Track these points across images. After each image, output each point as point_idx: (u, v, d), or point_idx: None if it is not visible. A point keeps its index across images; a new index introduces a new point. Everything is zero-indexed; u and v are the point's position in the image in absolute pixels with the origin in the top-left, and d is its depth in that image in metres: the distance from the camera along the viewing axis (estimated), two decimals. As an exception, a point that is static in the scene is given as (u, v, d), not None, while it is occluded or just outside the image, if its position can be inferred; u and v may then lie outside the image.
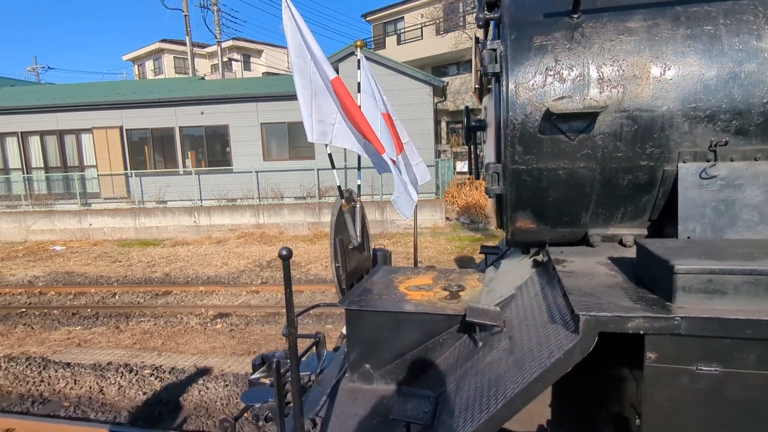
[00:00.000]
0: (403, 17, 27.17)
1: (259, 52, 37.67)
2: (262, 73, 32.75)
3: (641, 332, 1.48)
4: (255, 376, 3.21)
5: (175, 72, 34.90)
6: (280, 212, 15.09)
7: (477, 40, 2.52)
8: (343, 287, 2.92)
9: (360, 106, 3.54)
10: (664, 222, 2.21)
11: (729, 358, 1.47)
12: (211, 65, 34.61)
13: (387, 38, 27.90)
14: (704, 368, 1.49)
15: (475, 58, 2.52)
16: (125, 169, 17.08)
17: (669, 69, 2.01)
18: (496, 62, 2.18)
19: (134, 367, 5.88)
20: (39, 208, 16.70)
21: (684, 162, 2.05)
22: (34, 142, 17.88)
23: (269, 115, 15.86)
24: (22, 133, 17.69)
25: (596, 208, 2.26)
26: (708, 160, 2.03)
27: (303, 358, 3.35)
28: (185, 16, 24.74)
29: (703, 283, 1.50)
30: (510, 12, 2.27)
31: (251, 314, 7.85)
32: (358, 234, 3.14)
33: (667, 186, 2.11)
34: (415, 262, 4.62)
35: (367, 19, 29.08)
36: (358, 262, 3.26)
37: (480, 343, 2.23)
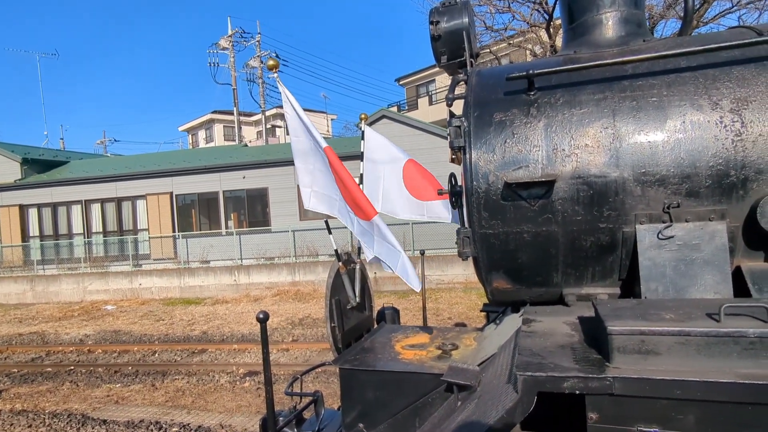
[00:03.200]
0: (434, 80, 28.43)
1: (301, 118, 40.04)
2: (304, 137, 34.57)
3: (577, 392, 1.55)
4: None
5: (224, 140, 37.56)
6: (314, 270, 15.46)
7: (452, 114, 2.77)
8: (339, 346, 3.06)
9: (362, 174, 3.83)
10: (633, 281, 2.26)
11: (668, 418, 1.51)
12: (257, 132, 37.03)
13: (419, 99, 29.12)
14: (644, 429, 1.52)
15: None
16: (173, 231, 18.21)
17: (617, 138, 2.16)
18: (461, 137, 2.40)
19: (164, 425, 6.08)
20: (96, 269, 17.92)
21: (641, 224, 2.14)
22: (96, 209, 19.52)
23: (306, 177, 16.71)
24: (85, 201, 19.39)
25: (565, 268, 2.35)
26: (663, 222, 2.11)
27: (306, 416, 3.45)
28: (233, 89, 26.97)
29: (637, 344, 1.57)
30: (475, 92, 2.52)
31: (279, 372, 7.97)
32: (356, 294, 3.31)
33: (629, 247, 2.19)
34: (424, 321, 4.69)
35: (400, 83, 30.60)
36: (358, 321, 3.41)
37: (459, 403, 2.29)
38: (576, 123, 2.24)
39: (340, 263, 3.17)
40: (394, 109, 26.50)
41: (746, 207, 2.03)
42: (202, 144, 40.20)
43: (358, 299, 3.30)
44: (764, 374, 1.44)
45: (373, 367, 2.65)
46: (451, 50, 2.92)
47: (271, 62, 2.77)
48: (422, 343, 3.08)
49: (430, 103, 28.50)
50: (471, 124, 2.39)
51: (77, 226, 19.62)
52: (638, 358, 1.57)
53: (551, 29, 14.73)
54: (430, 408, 2.48)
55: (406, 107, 29.80)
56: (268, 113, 30.06)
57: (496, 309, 3.85)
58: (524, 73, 2.29)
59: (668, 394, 1.47)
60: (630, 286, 2.31)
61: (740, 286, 2.09)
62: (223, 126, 38.60)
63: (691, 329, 1.52)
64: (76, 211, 19.61)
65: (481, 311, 3.95)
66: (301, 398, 3.52)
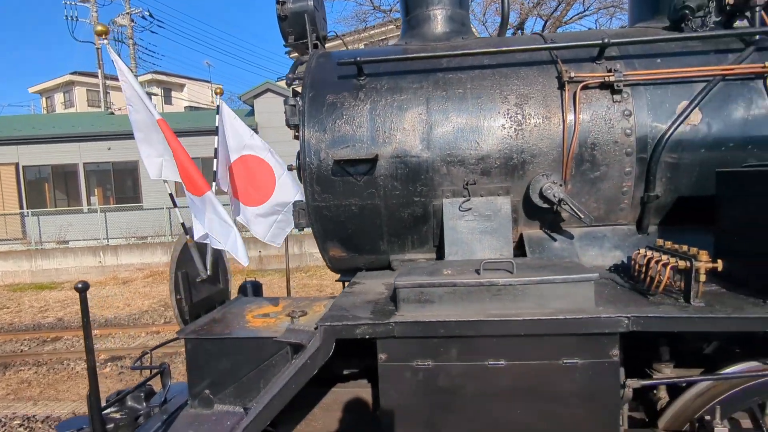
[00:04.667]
0: (324, 56, 28.06)
1: (181, 86, 36.98)
2: (185, 108, 32.11)
3: (366, 336, 1.84)
4: (106, 411, 3.26)
5: (88, 105, 33.27)
6: (193, 249, 14.72)
7: (295, 93, 2.91)
8: (186, 318, 3.10)
9: (217, 149, 3.81)
10: (443, 247, 2.65)
11: (438, 353, 1.86)
12: (129, 98, 33.36)
13: (309, 75, 28.60)
14: (420, 364, 1.86)
15: None
16: (21, 208, 15.94)
17: (429, 123, 2.49)
18: (296, 115, 2.56)
19: (3, 419, 5.52)
20: None
21: (447, 198, 2.51)
22: None
23: (183, 151, 15.65)
24: None
25: (389, 237, 2.66)
26: (464, 196, 2.50)
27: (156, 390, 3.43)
28: (97, 49, 23.98)
29: (417, 295, 1.90)
30: (312, 74, 2.68)
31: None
32: (207, 267, 3.34)
33: (438, 218, 2.55)
34: (288, 292, 4.85)
35: (291, 55, 29.70)
36: (210, 293, 3.45)
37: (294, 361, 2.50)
38: (396, 108, 2.52)
39: (188, 236, 3.17)
40: (283, 83, 25.72)
41: (524, 185, 2.49)
42: (59, 109, 35.14)
43: (209, 272, 3.34)
44: (506, 313, 1.85)
45: (217, 335, 2.74)
46: (298, 31, 3.03)
47: (99, 28, 2.63)
48: (274, 311, 3.23)
49: (320, 79, 28.12)
50: (306, 104, 2.56)
51: None
52: (418, 306, 1.90)
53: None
54: (273, 369, 2.66)
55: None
56: (141, 78, 27.31)
57: (349, 278, 4.15)
58: (353, 60, 2.51)
59: (435, 333, 1.82)
60: (442, 251, 2.70)
61: (524, 249, 2.58)
62: (87, 90, 34.06)
63: (456, 281, 1.88)
64: None
65: (336, 281, 4.22)
66: (151, 372, 3.49)
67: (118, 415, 3.21)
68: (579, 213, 2.30)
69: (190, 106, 32.23)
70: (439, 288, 1.88)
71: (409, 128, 2.49)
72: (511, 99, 2.48)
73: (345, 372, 2.99)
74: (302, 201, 2.62)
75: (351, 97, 2.55)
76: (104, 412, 3.28)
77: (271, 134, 13.33)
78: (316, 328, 2.67)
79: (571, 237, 2.55)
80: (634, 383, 2.16)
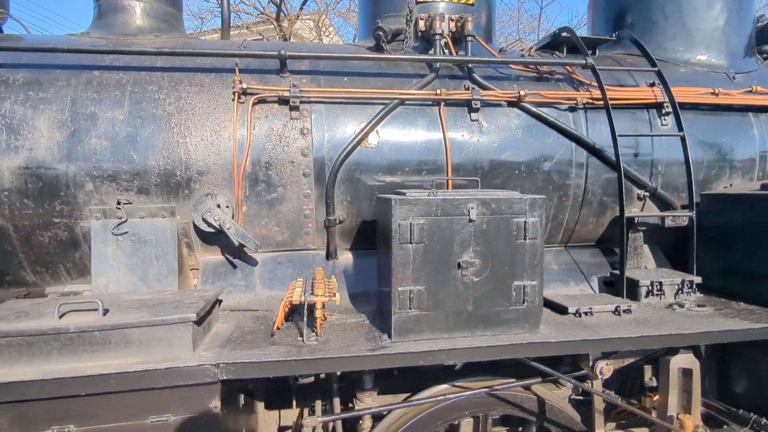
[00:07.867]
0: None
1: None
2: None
3: None
4: None
5: None
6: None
7: None
8: None
9: None
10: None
11: (-19, 425, 1.45)
12: None
13: None
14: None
15: None
16: None
17: (72, 129, 2.08)
18: None
19: None
20: None
21: (96, 219, 2.12)
22: None
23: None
24: None
25: (34, 266, 2.18)
26: (119, 218, 2.13)
27: None
28: None
29: (-45, 352, 1.47)
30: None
31: None
32: None
33: (90, 242, 2.15)
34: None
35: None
36: None
37: None
38: (30, 107, 2.06)
39: None
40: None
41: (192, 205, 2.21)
42: None
43: None
44: (79, 367, 1.51)
45: None
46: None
47: None
48: None
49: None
50: None
51: None
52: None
53: (283, 20, 14.94)
54: None
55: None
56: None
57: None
58: (-36, 45, 1.99)
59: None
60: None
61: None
62: None
63: (10, 329, 1.49)
64: None
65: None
66: None
67: None
68: (238, 239, 2.09)
69: None
70: (-17, 340, 1.47)
71: (44, 134, 2.05)
72: (177, 107, 2.19)
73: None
74: None
75: (-33, 91, 2.03)
76: None
77: None
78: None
79: (255, 263, 2.35)
80: (313, 421, 2.02)
